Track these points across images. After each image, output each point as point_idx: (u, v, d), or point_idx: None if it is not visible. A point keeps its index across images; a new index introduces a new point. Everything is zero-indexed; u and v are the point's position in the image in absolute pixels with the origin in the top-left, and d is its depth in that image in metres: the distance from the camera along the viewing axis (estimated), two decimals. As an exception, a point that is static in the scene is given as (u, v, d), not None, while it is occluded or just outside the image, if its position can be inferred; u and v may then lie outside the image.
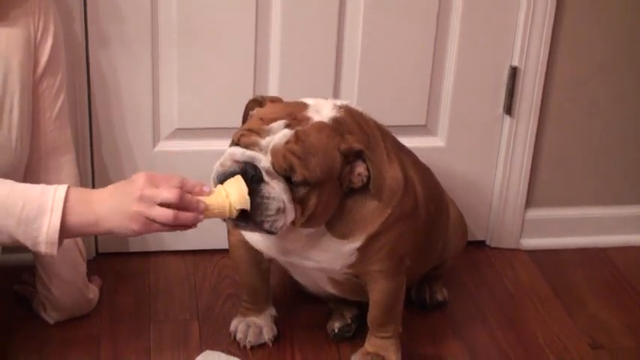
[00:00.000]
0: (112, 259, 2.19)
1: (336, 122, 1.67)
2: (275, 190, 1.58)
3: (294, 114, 1.65)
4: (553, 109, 2.25)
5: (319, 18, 2.09)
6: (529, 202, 2.34)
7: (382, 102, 2.17)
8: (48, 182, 1.79)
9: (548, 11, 2.13)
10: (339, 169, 1.64)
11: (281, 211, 1.60)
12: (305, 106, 1.69)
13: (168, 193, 1.52)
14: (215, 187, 1.60)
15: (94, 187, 2.14)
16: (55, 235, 1.54)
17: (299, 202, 1.62)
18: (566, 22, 2.16)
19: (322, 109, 1.69)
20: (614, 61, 2.23)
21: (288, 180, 1.60)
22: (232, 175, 1.58)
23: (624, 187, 2.38)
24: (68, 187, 1.56)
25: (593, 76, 2.24)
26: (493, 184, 2.31)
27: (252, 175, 1.58)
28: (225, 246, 1.94)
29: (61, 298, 1.92)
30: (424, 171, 1.95)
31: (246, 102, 1.74)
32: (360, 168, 1.66)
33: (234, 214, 1.57)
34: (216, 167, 1.61)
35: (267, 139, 1.61)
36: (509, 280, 2.25)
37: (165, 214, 1.52)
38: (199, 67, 2.09)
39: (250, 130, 1.63)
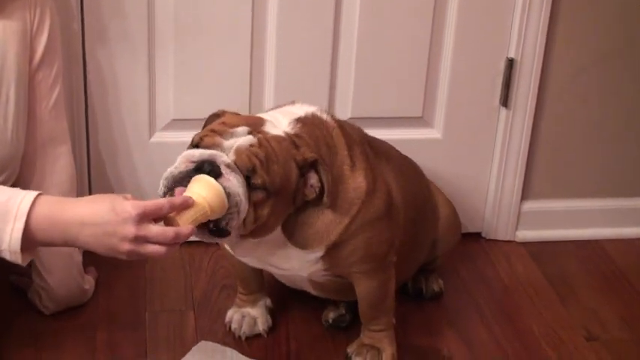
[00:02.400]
0: None
1: (291, 136, 1.65)
2: (233, 183, 1.53)
3: (255, 125, 1.64)
4: (549, 101, 2.25)
5: (315, 9, 2.09)
6: (525, 195, 2.34)
7: (378, 94, 2.18)
8: (44, 173, 1.84)
9: (544, 3, 2.12)
10: (294, 181, 1.62)
11: (238, 206, 1.53)
12: (263, 121, 1.67)
13: (163, 237, 1.46)
14: (163, 191, 1.53)
15: (89, 177, 2.16)
16: (17, 245, 1.48)
17: (253, 207, 1.57)
18: (562, 13, 2.16)
19: (279, 125, 1.67)
20: (610, 52, 2.23)
21: (246, 181, 1.56)
22: (185, 176, 1.52)
23: (621, 179, 2.38)
24: (37, 196, 1.49)
25: (590, 68, 2.24)
26: (489, 176, 2.31)
27: (208, 171, 1.52)
28: (221, 237, 1.96)
29: (56, 288, 1.92)
30: (407, 175, 1.92)
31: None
32: (312, 179, 1.64)
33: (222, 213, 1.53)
34: (169, 170, 1.55)
35: (231, 140, 1.59)
36: (504, 272, 2.25)
37: (159, 252, 1.48)
38: (196, 58, 2.09)
39: (213, 131, 1.60)
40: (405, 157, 2.01)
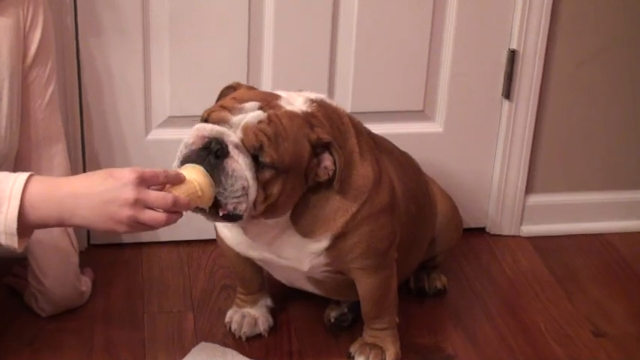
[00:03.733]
0: (104, 251, 2.19)
1: (307, 114, 1.65)
2: (240, 165, 1.54)
3: (268, 100, 1.64)
4: (553, 93, 2.25)
5: (313, 1, 2.08)
6: (529, 188, 2.35)
7: (378, 87, 2.17)
8: (39, 172, 1.79)
9: (546, -7, 2.13)
10: (306, 159, 1.63)
11: (245, 190, 1.55)
12: (278, 96, 1.67)
13: (164, 202, 1.48)
14: (177, 165, 1.57)
15: None
16: (14, 225, 1.48)
17: (262, 186, 1.58)
18: (565, 3, 2.16)
19: (294, 102, 1.67)
20: (615, 42, 2.23)
21: (255, 159, 1.57)
22: (197, 155, 1.54)
23: (626, 171, 2.38)
24: (30, 176, 1.51)
25: (594, 58, 2.24)
26: (492, 170, 2.32)
27: (216, 149, 1.54)
28: (220, 236, 1.95)
29: (53, 290, 1.92)
30: (406, 170, 1.92)
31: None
32: (327, 161, 1.64)
33: (209, 202, 1.55)
34: (181, 148, 1.58)
35: (239, 116, 1.59)
36: (509, 267, 2.25)
37: (158, 218, 1.49)
38: (192, 54, 2.09)
39: (222, 107, 1.61)
40: (404, 153, 2.00)
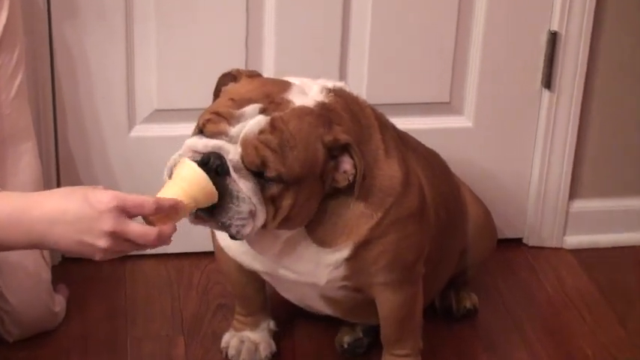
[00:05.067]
0: (81, 265, 2.11)
1: (322, 108, 1.61)
2: (241, 189, 1.54)
3: (273, 96, 1.60)
4: (600, 81, 2.24)
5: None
6: (573, 193, 2.34)
7: (396, 76, 2.16)
8: (5, 174, 1.83)
9: (593, -35, 2.13)
10: (321, 164, 1.59)
11: (252, 213, 1.55)
12: (287, 85, 1.63)
13: (144, 239, 1.45)
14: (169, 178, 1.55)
15: (58, 178, 2.16)
16: None
17: (271, 201, 1.57)
18: (615, -24, 2.17)
19: (308, 91, 1.64)
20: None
21: (259, 175, 1.55)
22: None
23: (690, 172, 2.35)
24: None
25: (649, 40, 2.21)
26: (530, 172, 2.31)
27: (217, 166, 1.52)
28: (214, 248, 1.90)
29: (21, 311, 1.91)
30: (435, 170, 1.92)
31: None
32: (347, 165, 1.61)
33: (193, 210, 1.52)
34: (172, 158, 1.56)
35: (238, 126, 1.56)
36: (550, 284, 2.24)
37: (140, 248, 1.48)
38: (182, 39, 2.08)
39: (218, 115, 1.57)
40: (430, 151, 1.98)
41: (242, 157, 1.54)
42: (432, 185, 1.82)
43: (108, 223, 1.42)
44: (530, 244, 2.36)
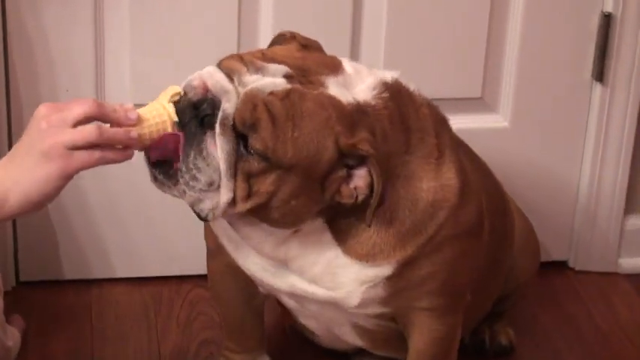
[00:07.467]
0: (39, 290, 2.16)
1: (357, 110, 1.58)
2: (216, 152, 1.53)
3: (310, 73, 1.58)
4: None
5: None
6: (630, 207, 2.33)
7: (418, 67, 2.12)
8: None
9: None
10: (324, 165, 1.55)
11: (213, 187, 1.53)
12: (334, 70, 1.61)
13: (81, 107, 1.53)
14: None
15: None
16: None
17: (246, 178, 1.54)
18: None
19: (356, 85, 1.61)
20: None
21: (243, 141, 1.53)
22: (182, 111, 1.57)
23: None
24: None
25: None
26: (578, 181, 2.29)
27: (204, 115, 1.52)
28: (199, 270, 1.94)
29: None
30: (484, 172, 1.90)
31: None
32: (360, 181, 1.57)
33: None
34: (183, 84, 1.59)
35: (253, 77, 1.54)
36: (601, 316, 2.23)
37: (86, 130, 1.51)
38: (160, 23, 2.07)
39: (241, 59, 1.57)
40: (478, 156, 1.96)
41: (235, 112, 1.53)
42: (488, 195, 1.82)
43: (42, 114, 1.54)
44: (578, 267, 2.35)
